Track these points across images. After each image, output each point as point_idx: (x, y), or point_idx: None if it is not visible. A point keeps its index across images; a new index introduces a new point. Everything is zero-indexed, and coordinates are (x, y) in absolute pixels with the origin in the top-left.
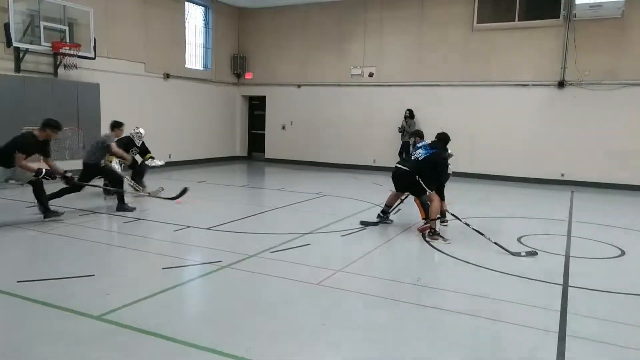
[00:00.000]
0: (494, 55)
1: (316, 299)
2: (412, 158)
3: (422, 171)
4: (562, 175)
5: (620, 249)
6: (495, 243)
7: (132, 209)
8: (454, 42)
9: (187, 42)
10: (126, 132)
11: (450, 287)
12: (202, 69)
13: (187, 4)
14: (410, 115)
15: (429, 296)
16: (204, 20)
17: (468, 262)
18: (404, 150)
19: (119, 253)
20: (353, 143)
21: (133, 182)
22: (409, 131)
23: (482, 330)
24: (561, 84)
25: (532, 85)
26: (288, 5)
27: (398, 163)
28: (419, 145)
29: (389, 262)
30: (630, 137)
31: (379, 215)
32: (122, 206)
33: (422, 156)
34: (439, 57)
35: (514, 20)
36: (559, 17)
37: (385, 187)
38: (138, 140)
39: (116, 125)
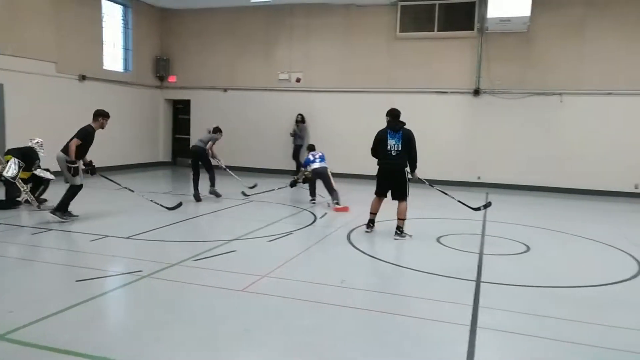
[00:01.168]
0: (416, 64)
1: (240, 306)
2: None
3: (405, 159)
4: (479, 178)
5: (526, 245)
6: (459, 201)
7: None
8: (378, 50)
9: (104, 41)
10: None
11: (373, 287)
12: (122, 71)
13: (103, 1)
14: (301, 120)
15: (352, 297)
16: (123, 19)
17: (389, 262)
18: (296, 154)
19: (26, 267)
20: (282, 148)
21: (30, 195)
22: (300, 135)
23: (403, 328)
24: (477, 92)
25: (451, 92)
26: (213, 8)
27: (386, 160)
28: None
29: (314, 265)
30: (538, 142)
31: (369, 226)
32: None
33: (398, 144)
34: (365, 65)
35: (434, 31)
36: (473, 29)
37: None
38: (41, 150)
39: None
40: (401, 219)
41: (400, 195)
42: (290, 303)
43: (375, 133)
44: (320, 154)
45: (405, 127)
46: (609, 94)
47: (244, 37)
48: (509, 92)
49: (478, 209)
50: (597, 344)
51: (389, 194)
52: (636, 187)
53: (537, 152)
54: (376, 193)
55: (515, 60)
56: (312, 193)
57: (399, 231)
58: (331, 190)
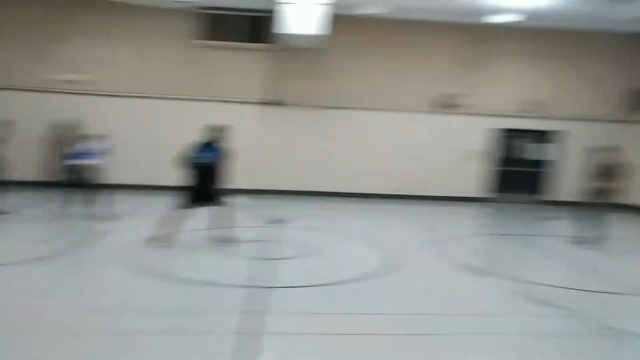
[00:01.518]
0: (211, 73)
1: None
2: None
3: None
4: (273, 185)
5: (314, 248)
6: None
7: None
8: (173, 56)
9: None
10: None
11: (147, 307)
12: None
13: None
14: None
15: (121, 321)
16: None
17: (158, 278)
18: None
19: None
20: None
21: None
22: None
23: (173, 345)
24: (271, 104)
25: (246, 103)
26: None
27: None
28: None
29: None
30: (326, 152)
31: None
32: None
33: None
34: (160, 71)
35: (231, 41)
36: (268, 42)
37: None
38: None
39: None
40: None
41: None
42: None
43: (167, 140)
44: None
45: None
46: (389, 110)
47: (19, 32)
48: (303, 106)
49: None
50: (354, 332)
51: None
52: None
53: (327, 161)
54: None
55: (307, 75)
56: None
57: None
58: None
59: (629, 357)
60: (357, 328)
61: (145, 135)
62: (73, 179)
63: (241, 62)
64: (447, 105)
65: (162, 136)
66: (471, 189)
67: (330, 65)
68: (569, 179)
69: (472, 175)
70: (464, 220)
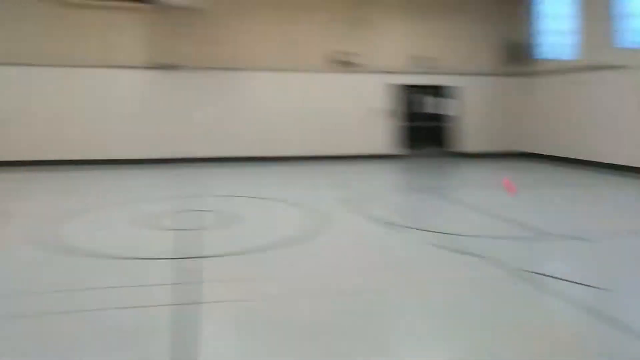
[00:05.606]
0: (87, 35)
1: None
2: None
3: None
4: (172, 153)
5: (233, 215)
6: None
7: None
8: (44, 18)
9: None
10: None
11: (56, 286)
12: None
13: None
14: None
15: (40, 302)
16: None
17: (79, 256)
18: None
19: None
20: None
21: None
22: None
23: (101, 322)
24: (156, 67)
25: (129, 67)
26: None
27: None
28: None
29: None
30: (216, 116)
31: None
32: None
33: None
34: (24, 34)
35: (109, 0)
36: (148, 2)
37: None
38: None
39: None
40: None
41: None
42: None
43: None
44: None
45: None
46: (284, 70)
47: None
48: (188, 68)
49: None
50: (291, 295)
51: None
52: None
53: (217, 125)
54: None
55: (191, 36)
56: None
57: None
58: None
59: (549, 298)
60: (294, 291)
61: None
62: None
63: (121, 24)
64: (342, 63)
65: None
66: (380, 146)
67: (217, 26)
68: (470, 131)
69: (379, 132)
70: (377, 177)
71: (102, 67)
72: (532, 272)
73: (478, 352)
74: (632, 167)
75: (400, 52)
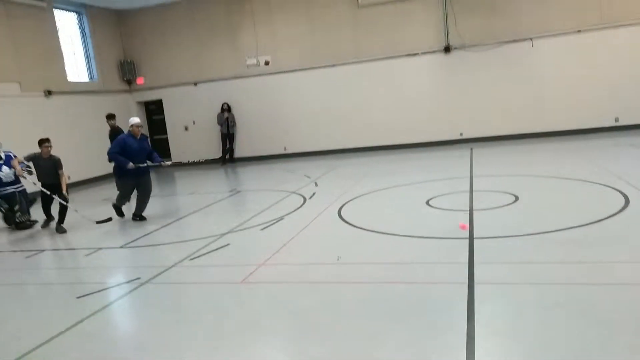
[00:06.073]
0: (382, 30)
1: (243, 298)
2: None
3: None
4: (461, 134)
5: (514, 195)
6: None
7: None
8: (342, 21)
9: (64, 53)
10: None
11: (368, 259)
12: (87, 80)
13: (55, 11)
14: (227, 108)
15: (350, 272)
16: (80, 27)
17: (382, 233)
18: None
19: (26, 291)
20: (263, 133)
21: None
22: (228, 124)
23: (402, 295)
24: (447, 49)
25: (422, 54)
26: (170, 2)
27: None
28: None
29: (309, 247)
30: (513, 90)
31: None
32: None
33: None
34: (330, 38)
35: None
36: None
37: (297, 173)
38: None
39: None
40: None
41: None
42: (290, 287)
43: (347, 107)
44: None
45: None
46: (578, 31)
47: (206, 28)
48: (479, 45)
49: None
50: (587, 282)
51: None
52: (616, 120)
53: (514, 101)
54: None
55: (480, 12)
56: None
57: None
58: None
59: None
60: (583, 277)
61: (328, 104)
62: None
63: (410, 13)
64: None
65: (344, 102)
66: None
67: None
68: None
69: None
70: None
71: (397, 58)
72: None
73: None
74: None
75: None
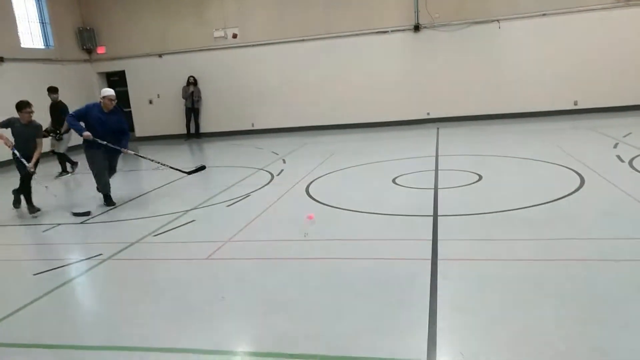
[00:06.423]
0: (353, 5)
1: (208, 274)
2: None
3: None
4: (428, 114)
5: (478, 174)
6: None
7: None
8: None
9: (17, 16)
10: None
11: (335, 236)
12: (43, 47)
13: None
14: (194, 82)
15: (316, 249)
16: None
17: (349, 210)
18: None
19: None
20: (230, 109)
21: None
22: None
23: (366, 271)
24: (417, 28)
25: (391, 31)
26: None
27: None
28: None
29: (276, 223)
30: (479, 71)
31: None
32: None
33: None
34: (300, 12)
35: None
36: None
37: (266, 149)
38: None
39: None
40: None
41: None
42: (256, 264)
43: (315, 83)
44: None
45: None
46: (544, 14)
47: None
48: (449, 25)
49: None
50: (543, 258)
51: None
52: (575, 104)
53: (480, 82)
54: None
55: None
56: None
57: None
58: None
59: None
60: (542, 254)
61: (295, 79)
62: None
63: None
64: None
65: (311, 77)
66: None
67: None
68: None
69: None
70: None
71: (366, 34)
72: None
73: None
74: None
75: None
